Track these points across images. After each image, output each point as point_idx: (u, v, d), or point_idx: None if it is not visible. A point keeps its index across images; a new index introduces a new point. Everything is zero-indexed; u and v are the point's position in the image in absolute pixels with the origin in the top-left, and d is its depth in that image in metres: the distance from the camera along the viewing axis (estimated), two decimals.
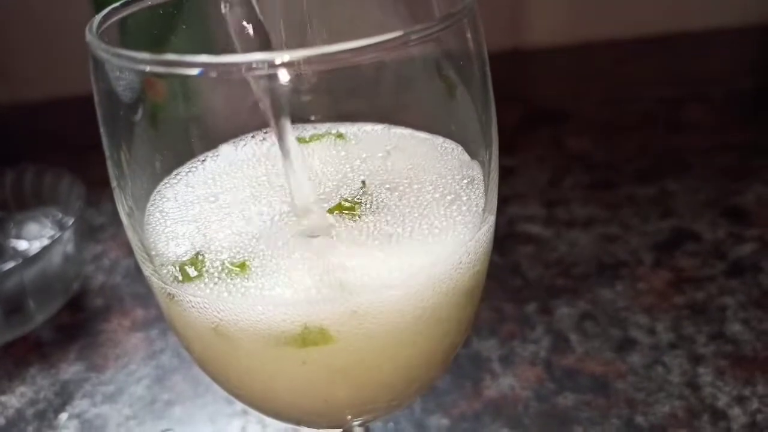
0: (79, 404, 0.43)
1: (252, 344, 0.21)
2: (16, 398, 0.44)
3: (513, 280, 0.50)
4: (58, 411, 0.43)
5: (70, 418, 0.42)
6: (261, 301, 0.20)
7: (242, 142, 0.28)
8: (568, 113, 0.75)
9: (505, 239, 0.54)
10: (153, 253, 0.23)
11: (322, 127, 0.28)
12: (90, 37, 0.21)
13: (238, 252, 0.22)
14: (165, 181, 0.26)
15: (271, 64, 0.18)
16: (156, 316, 0.49)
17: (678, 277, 0.49)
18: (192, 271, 0.22)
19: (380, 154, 0.26)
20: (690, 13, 0.89)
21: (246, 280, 0.21)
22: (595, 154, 0.66)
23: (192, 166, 0.27)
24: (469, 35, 0.22)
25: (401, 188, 0.24)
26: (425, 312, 0.22)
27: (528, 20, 0.89)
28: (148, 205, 0.25)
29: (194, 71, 0.18)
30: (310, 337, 0.21)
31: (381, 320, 0.21)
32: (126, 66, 0.20)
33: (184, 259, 0.22)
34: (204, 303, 0.21)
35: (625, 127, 0.71)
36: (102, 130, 0.24)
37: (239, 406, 0.41)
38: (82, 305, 0.51)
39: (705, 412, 0.38)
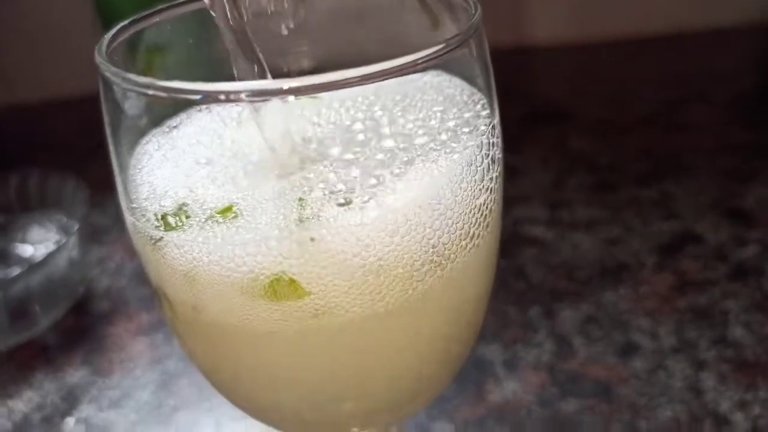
0: (86, 409, 0.43)
1: (224, 292, 0.21)
2: (23, 403, 0.44)
3: (517, 283, 0.50)
4: (64, 416, 0.43)
5: (76, 422, 0.42)
6: (231, 242, 0.21)
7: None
8: (572, 113, 0.75)
9: (508, 241, 0.54)
10: (134, 206, 0.24)
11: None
12: (99, 59, 0.21)
13: (219, 201, 0.22)
14: (150, 134, 0.26)
15: (266, 93, 0.18)
16: (161, 320, 0.50)
17: (680, 280, 0.49)
18: (174, 221, 0.22)
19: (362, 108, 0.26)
20: (694, 13, 0.89)
21: (224, 227, 0.21)
22: (598, 155, 0.66)
23: (179, 120, 0.27)
24: (475, 53, 0.22)
25: (378, 137, 0.24)
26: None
27: (531, 19, 0.89)
28: (132, 160, 0.25)
29: (197, 97, 0.18)
30: (280, 288, 0.21)
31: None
32: (132, 89, 0.20)
33: (168, 210, 0.22)
34: (182, 251, 0.21)
35: (628, 128, 0.71)
36: (110, 143, 0.24)
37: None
38: (87, 309, 0.52)
39: (707, 418, 0.39)
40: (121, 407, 0.43)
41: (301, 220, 0.20)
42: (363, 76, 0.18)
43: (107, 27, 0.66)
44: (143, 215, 0.23)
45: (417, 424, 0.40)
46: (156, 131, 0.26)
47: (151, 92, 0.19)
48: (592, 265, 0.51)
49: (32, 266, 0.46)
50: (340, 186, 0.21)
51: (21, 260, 0.54)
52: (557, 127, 0.72)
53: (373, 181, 0.22)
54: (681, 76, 0.81)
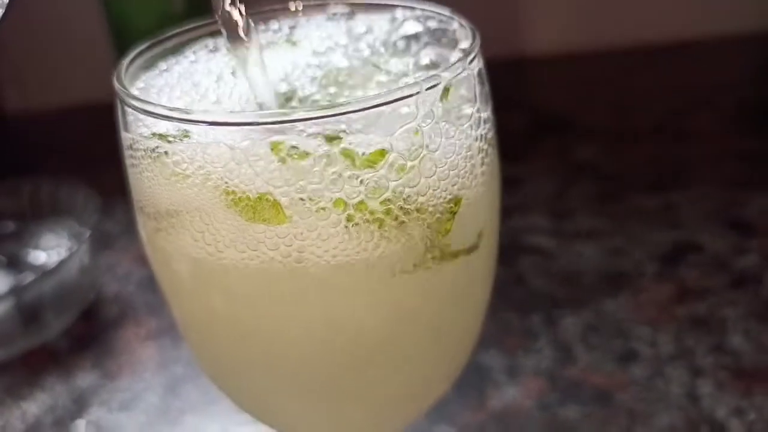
0: (96, 411, 0.44)
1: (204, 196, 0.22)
2: (35, 405, 0.45)
3: (518, 290, 0.51)
4: (75, 418, 0.44)
5: (87, 424, 0.43)
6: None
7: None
8: (575, 122, 0.75)
9: (510, 250, 0.55)
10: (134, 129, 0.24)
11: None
12: (118, 86, 0.22)
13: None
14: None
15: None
16: (169, 326, 0.51)
17: (680, 289, 0.50)
18: (174, 137, 0.23)
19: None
20: (698, 22, 0.89)
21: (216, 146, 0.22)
22: (601, 164, 0.67)
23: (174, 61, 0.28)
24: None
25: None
26: None
27: (535, 28, 0.90)
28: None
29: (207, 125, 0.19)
30: (260, 209, 0.21)
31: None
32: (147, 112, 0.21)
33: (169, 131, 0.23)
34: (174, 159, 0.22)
35: (631, 137, 0.71)
36: (127, 163, 0.25)
37: (249, 415, 0.42)
38: (97, 315, 0.53)
39: (704, 424, 0.39)
40: (130, 410, 0.44)
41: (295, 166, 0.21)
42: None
43: (118, 41, 0.68)
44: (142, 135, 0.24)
45: (418, 428, 0.40)
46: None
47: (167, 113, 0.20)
48: (593, 274, 0.52)
49: (45, 273, 0.47)
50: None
51: (33, 267, 0.55)
52: (560, 136, 0.73)
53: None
54: (685, 86, 0.81)
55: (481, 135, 0.24)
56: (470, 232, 0.24)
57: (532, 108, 0.80)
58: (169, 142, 0.22)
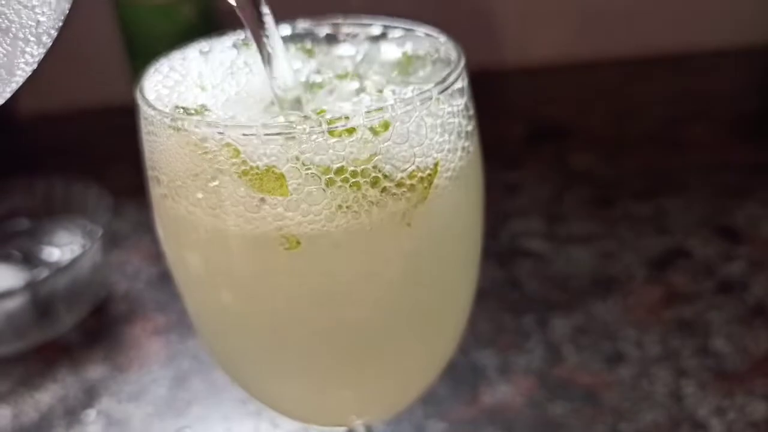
0: (105, 402, 0.47)
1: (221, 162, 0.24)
2: (48, 396, 0.47)
3: (512, 292, 0.53)
4: (85, 408, 0.46)
5: (97, 414, 0.46)
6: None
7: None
8: (572, 131, 0.77)
9: (506, 253, 0.57)
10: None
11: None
12: (141, 100, 0.24)
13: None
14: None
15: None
16: (176, 322, 0.53)
17: (668, 293, 0.52)
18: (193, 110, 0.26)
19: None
20: (695, 34, 0.91)
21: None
22: (596, 171, 0.69)
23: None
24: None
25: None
26: None
27: (533, 38, 0.92)
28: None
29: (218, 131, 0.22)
30: (266, 180, 0.23)
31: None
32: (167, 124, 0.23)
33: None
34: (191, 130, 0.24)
35: (627, 145, 0.73)
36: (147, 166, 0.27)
37: (253, 407, 0.45)
38: (107, 310, 0.55)
39: (686, 422, 0.41)
40: (138, 401, 0.46)
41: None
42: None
43: (130, 45, 0.71)
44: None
45: (412, 422, 0.42)
46: None
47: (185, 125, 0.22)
48: (584, 277, 0.54)
49: (59, 269, 0.50)
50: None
51: (47, 263, 0.57)
52: (557, 144, 0.75)
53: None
54: (681, 97, 0.83)
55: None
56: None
57: (531, 117, 0.82)
58: (189, 114, 0.24)
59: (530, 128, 0.79)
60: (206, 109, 0.26)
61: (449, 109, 0.25)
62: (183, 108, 0.25)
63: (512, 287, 0.54)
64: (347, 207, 0.23)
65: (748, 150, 0.71)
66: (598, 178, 0.68)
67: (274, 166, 0.23)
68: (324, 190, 0.23)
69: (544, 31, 0.91)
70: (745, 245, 0.56)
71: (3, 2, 0.16)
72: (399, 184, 0.24)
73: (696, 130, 0.75)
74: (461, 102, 0.26)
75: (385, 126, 0.23)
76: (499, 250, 0.58)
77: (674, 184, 0.65)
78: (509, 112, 0.82)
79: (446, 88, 0.25)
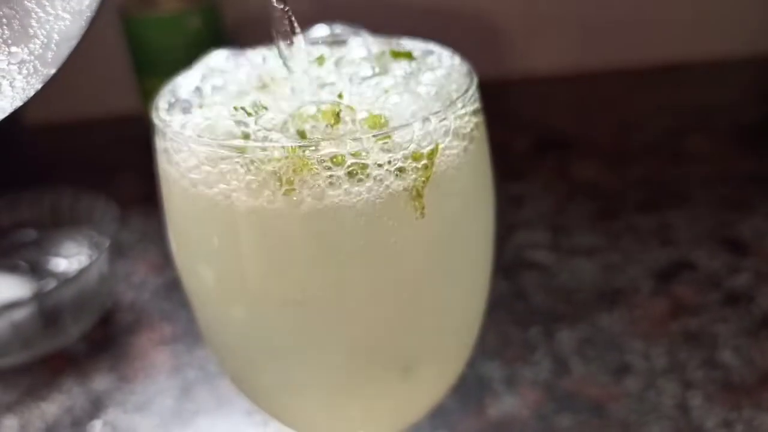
0: (112, 413, 0.47)
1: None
2: (54, 406, 0.47)
3: (518, 304, 0.53)
4: (92, 419, 0.46)
5: (103, 425, 0.46)
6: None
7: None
8: (575, 142, 0.78)
9: (511, 265, 0.57)
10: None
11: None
12: (158, 120, 0.25)
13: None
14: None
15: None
16: (182, 332, 0.53)
17: (674, 305, 0.52)
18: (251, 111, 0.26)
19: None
20: (696, 45, 0.92)
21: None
22: (600, 183, 0.69)
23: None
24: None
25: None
26: None
27: (536, 50, 0.92)
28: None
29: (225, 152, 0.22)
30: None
31: None
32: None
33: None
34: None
35: (630, 157, 0.74)
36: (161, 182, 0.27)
37: (259, 417, 0.45)
38: (113, 321, 0.55)
39: None
40: (144, 411, 0.46)
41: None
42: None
43: (137, 56, 0.71)
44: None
45: None
46: None
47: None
48: (590, 289, 0.54)
49: (66, 280, 0.50)
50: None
51: (54, 273, 0.57)
52: (561, 155, 0.75)
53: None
54: (683, 107, 0.84)
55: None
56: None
57: (534, 128, 0.82)
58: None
59: (533, 139, 0.79)
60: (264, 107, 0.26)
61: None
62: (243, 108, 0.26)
63: (518, 299, 0.54)
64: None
65: (751, 160, 0.71)
66: (601, 189, 0.68)
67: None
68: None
69: (547, 43, 0.92)
70: (750, 257, 0.56)
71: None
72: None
73: (699, 140, 0.75)
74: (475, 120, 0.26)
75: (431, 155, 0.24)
76: (504, 262, 0.58)
77: (678, 195, 0.66)
78: (513, 124, 0.82)
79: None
